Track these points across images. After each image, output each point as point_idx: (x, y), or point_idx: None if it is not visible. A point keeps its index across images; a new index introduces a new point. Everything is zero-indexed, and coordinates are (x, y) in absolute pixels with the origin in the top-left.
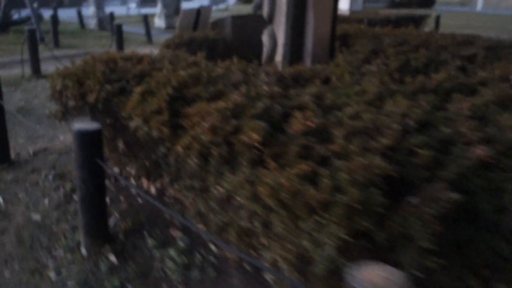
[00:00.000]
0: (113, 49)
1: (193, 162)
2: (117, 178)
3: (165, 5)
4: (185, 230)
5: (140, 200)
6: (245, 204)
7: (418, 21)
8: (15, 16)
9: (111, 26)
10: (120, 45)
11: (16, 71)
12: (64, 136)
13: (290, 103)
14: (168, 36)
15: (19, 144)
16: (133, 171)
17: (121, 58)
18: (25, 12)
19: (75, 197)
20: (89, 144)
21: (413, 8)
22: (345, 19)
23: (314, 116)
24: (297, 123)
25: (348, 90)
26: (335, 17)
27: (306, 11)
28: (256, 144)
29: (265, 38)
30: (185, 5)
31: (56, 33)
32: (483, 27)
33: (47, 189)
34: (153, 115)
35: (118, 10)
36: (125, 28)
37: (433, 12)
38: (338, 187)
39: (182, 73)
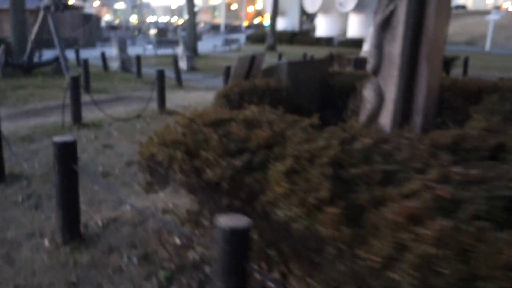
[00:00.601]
0: (154, 95)
1: (403, 280)
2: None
3: (187, 47)
4: None
5: None
6: None
7: (448, 62)
8: (36, 58)
9: (138, 69)
10: (162, 93)
11: (52, 119)
12: (131, 201)
13: (503, 193)
14: (192, 77)
15: (82, 211)
16: None
17: (225, 120)
18: (47, 55)
19: None
20: (239, 245)
21: None
22: None
23: None
24: None
25: None
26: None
27: (419, 62)
28: None
29: (368, 94)
30: (201, 46)
31: (87, 78)
32: (505, 67)
33: (135, 278)
34: (319, 207)
35: (132, 51)
36: (149, 70)
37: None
38: None
39: (334, 144)
